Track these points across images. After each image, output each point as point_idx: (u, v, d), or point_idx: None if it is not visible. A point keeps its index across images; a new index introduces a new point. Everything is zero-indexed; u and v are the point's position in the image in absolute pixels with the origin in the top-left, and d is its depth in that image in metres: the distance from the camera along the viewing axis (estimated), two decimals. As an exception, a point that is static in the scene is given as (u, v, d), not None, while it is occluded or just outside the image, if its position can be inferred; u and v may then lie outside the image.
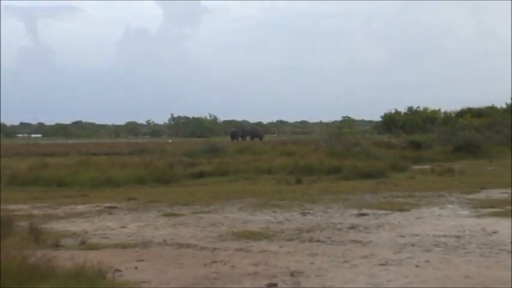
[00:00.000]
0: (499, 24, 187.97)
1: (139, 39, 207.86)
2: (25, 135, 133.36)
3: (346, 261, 10.18)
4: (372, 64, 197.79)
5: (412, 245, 11.56)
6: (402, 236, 12.52)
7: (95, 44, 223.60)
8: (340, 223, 14.33)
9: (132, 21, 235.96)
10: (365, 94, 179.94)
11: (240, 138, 75.05)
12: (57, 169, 27.64)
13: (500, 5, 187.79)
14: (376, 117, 75.63)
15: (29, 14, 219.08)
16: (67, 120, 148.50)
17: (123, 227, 14.30)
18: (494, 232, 12.80)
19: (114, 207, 17.63)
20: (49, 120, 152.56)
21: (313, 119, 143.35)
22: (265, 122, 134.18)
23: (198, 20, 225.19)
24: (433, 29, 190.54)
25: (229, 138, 75.66)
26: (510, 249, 11.01)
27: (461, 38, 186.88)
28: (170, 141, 77.74)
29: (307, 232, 13.15)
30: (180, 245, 11.88)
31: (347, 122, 59.29)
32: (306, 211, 16.40)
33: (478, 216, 15.16)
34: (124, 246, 11.76)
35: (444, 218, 14.99)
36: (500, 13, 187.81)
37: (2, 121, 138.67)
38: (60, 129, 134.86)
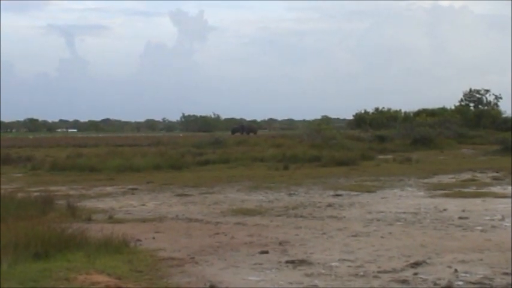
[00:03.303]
0: (449, 41, 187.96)
1: (158, 52, 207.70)
2: (63, 129, 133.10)
3: (324, 233, 10.17)
4: (346, 73, 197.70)
5: (378, 220, 11.56)
6: (370, 213, 12.51)
7: (121, 56, 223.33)
8: (320, 202, 14.31)
9: (152, 37, 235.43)
10: (340, 97, 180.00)
11: (238, 133, 74.87)
12: (89, 157, 27.54)
13: (451, 26, 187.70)
14: (349, 116, 75.36)
15: (68, 31, 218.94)
16: (98, 117, 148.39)
17: (143, 204, 14.27)
18: (445, 209, 12.80)
19: (136, 189, 17.60)
20: (83, 118, 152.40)
21: (297, 117, 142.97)
22: (258, 119, 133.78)
23: (205, 36, 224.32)
24: (396, 45, 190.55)
25: (230, 132, 75.42)
26: (457, 223, 11.03)
27: (418, 52, 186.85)
28: (181, 135, 77.58)
29: (293, 209, 13.14)
30: (190, 220, 11.86)
31: (325, 120, 59.16)
32: (292, 192, 16.39)
33: (431, 197, 15.17)
34: (144, 220, 11.75)
35: (404, 198, 14.99)
36: (450, 33, 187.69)
37: (44, 118, 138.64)
38: (92, 125, 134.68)
